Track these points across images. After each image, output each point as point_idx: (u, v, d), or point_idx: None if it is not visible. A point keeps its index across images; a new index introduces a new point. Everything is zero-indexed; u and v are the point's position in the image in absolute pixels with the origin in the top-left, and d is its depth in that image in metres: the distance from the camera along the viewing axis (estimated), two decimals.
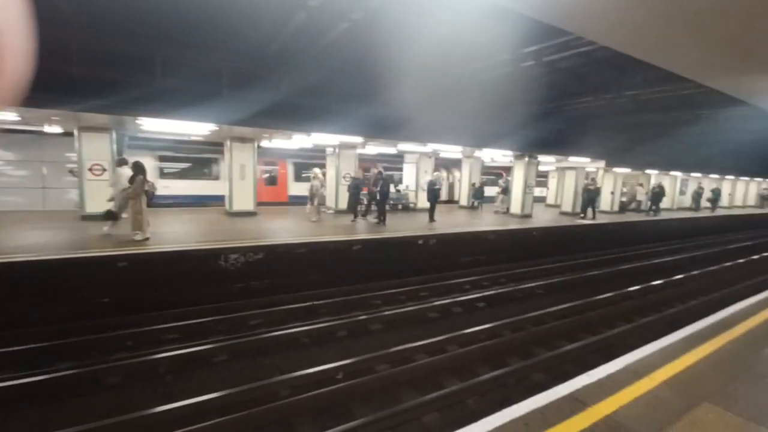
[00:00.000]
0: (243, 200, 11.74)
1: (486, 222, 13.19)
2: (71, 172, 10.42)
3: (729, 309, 5.44)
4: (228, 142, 11.36)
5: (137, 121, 8.39)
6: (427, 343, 5.66)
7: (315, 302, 7.20)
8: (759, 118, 5.50)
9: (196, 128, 9.20)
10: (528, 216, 14.80)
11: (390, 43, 6.30)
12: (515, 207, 15.11)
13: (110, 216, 7.84)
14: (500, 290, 8.47)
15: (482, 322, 6.45)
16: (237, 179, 11.56)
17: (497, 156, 16.04)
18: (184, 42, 7.26)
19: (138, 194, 7.50)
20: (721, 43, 2.83)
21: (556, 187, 19.83)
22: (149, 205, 8.21)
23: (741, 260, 12.80)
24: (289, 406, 4.12)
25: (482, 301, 7.90)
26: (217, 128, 9.10)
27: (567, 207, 17.13)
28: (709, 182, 24.46)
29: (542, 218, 14.99)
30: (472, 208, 16.90)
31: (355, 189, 11.60)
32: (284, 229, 9.72)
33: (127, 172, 7.89)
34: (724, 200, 26.45)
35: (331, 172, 13.54)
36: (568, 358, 5.53)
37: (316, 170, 11.22)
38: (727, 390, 3.25)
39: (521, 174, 14.71)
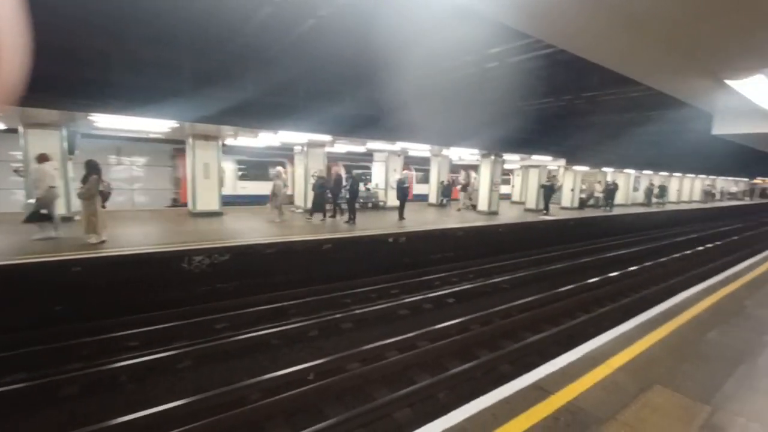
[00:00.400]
0: (207, 200, 11.34)
1: (454, 219, 13.45)
2: (16, 171, 9.67)
3: (678, 296, 5.85)
4: (190, 140, 10.94)
5: (90, 118, 7.90)
6: (398, 340, 5.71)
7: (285, 303, 7.08)
8: (700, 119, 5.96)
9: (155, 125, 8.79)
10: (494, 213, 15.22)
11: (357, 41, 6.28)
12: (482, 204, 15.50)
13: (38, 217, 7.24)
14: (469, 286, 8.67)
15: (451, 318, 6.58)
16: (200, 178, 11.15)
17: (465, 154, 16.40)
18: (143, 36, 6.91)
19: (92, 195, 7.07)
20: (666, 47, 3.04)
21: (521, 184, 20.55)
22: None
23: (688, 251, 13.77)
24: (259, 409, 4.04)
25: (451, 296, 8.06)
26: (178, 125, 8.74)
27: (531, 204, 17.78)
28: (659, 179, 26.14)
29: (508, 215, 15.47)
30: (440, 205, 17.17)
31: (320, 188, 11.36)
32: (252, 230, 9.49)
33: (49, 169, 7.34)
34: (673, 196, 28.35)
35: (299, 170, 13.35)
36: (533, 349, 5.75)
37: (279, 169, 10.96)
38: (676, 372, 3.50)
39: (487, 172, 15.10)
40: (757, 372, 3.57)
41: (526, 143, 14.18)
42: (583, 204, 20.22)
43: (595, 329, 5.99)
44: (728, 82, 3.44)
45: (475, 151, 14.70)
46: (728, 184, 38.82)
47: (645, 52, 3.16)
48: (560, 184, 20.08)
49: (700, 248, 14.55)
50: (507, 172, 22.02)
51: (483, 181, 15.46)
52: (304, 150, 12.72)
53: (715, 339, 4.30)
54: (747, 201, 39.49)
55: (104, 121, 8.14)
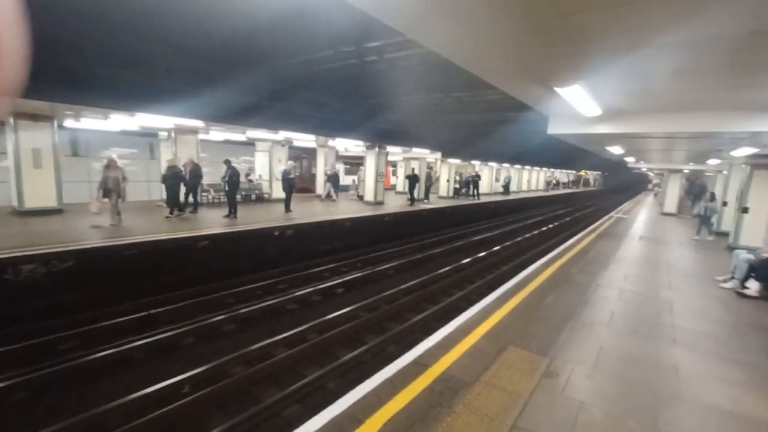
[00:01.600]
0: (39, 195, 9.21)
1: (342, 210, 13.60)
2: None
3: (526, 270, 6.98)
4: (11, 120, 8.69)
5: None
6: (286, 335, 5.56)
7: (152, 311, 6.23)
8: (541, 121, 7.20)
9: None
10: (380, 203, 15.87)
11: (227, 17, 5.74)
12: (368, 194, 16.00)
13: None
14: (357, 274, 8.90)
15: (341, 307, 6.68)
16: (28, 168, 8.98)
17: (350, 146, 16.65)
18: None
19: None
20: (507, 56, 3.57)
21: (404, 175, 21.85)
22: None
23: (536, 231, 16.54)
24: None
25: (341, 286, 8.17)
26: None
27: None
28: (515, 172, 30.72)
29: (392, 204, 16.29)
30: (327, 196, 17.15)
31: (173, 179, 9.87)
32: (107, 229, 8.05)
33: None
34: (524, 185, 33.64)
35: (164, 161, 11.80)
36: (416, 327, 6.23)
37: (113, 156, 8.70)
38: (524, 333, 4.18)
39: (372, 163, 15.61)
40: (579, 325, 4.50)
41: (406, 136, 15.05)
42: (457, 193, 22.50)
43: (467, 303, 6.77)
44: (556, 89, 4.22)
45: (360, 143, 15.03)
46: (562, 176, 47.76)
47: (492, 59, 3.67)
48: (437, 174, 21.97)
49: (544, 228, 17.61)
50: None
51: (368, 172, 15.93)
52: (172, 136, 11.29)
53: (552, 302, 5.26)
54: (575, 189, 49.16)
55: None
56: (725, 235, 11.26)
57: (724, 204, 12.24)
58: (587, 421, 2.74)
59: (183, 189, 10.29)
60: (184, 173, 10.22)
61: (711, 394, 3.19)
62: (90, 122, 10.51)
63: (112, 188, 8.41)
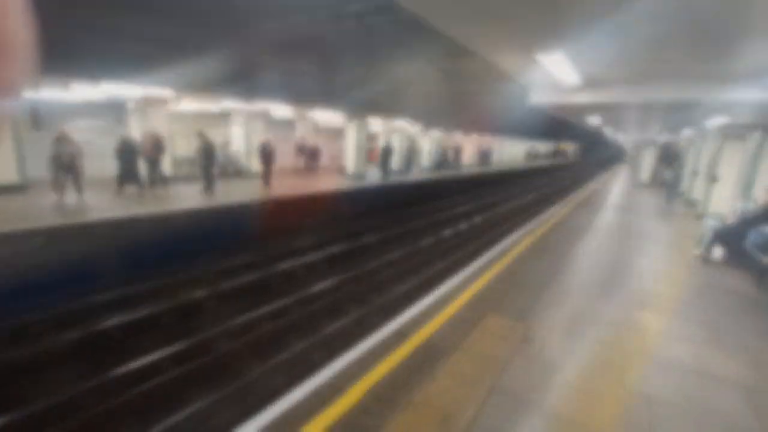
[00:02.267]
0: None
1: (323, 183, 13.40)
2: None
3: (507, 240, 7.11)
4: None
5: None
6: (270, 309, 5.56)
7: (127, 289, 6.09)
8: (523, 93, 7.14)
9: None
10: (362, 176, 15.71)
11: None
12: (350, 167, 15.80)
13: None
14: (341, 248, 8.89)
15: (324, 279, 6.69)
16: None
17: (331, 118, 16.22)
18: None
19: None
20: (493, 21, 3.47)
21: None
22: None
23: (517, 202, 16.81)
24: (103, 413, 3.48)
25: (325, 260, 8.15)
26: None
27: (395, 165, 18.89)
28: (497, 144, 30.80)
29: (374, 177, 16.14)
30: (306, 169, 16.88)
31: (128, 154, 9.08)
32: (77, 206, 7.71)
33: None
34: (505, 158, 33.87)
35: (135, 133, 11.23)
36: (399, 297, 6.32)
37: (64, 129, 7.78)
38: (503, 301, 4.29)
39: (353, 135, 15.31)
40: (554, 292, 4.64)
41: (388, 107, 14.74)
42: (440, 165, 22.43)
43: (449, 273, 6.88)
44: (538, 56, 4.16)
45: (341, 114, 14.67)
46: (542, 148, 48.29)
47: (473, 23, 3.56)
48: (392, 146, 21.68)
49: (522, 201, 17.91)
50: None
51: (349, 144, 15.66)
52: (140, 108, 10.71)
53: (531, 270, 5.40)
54: (554, 161, 49.83)
55: None
56: (696, 203, 11.71)
57: (695, 173, 12.67)
58: (561, 382, 2.86)
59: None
60: (140, 146, 9.51)
61: (675, 352, 3.38)
62: (50, 92, 9.82)
63: (67, 164, 7.63)
